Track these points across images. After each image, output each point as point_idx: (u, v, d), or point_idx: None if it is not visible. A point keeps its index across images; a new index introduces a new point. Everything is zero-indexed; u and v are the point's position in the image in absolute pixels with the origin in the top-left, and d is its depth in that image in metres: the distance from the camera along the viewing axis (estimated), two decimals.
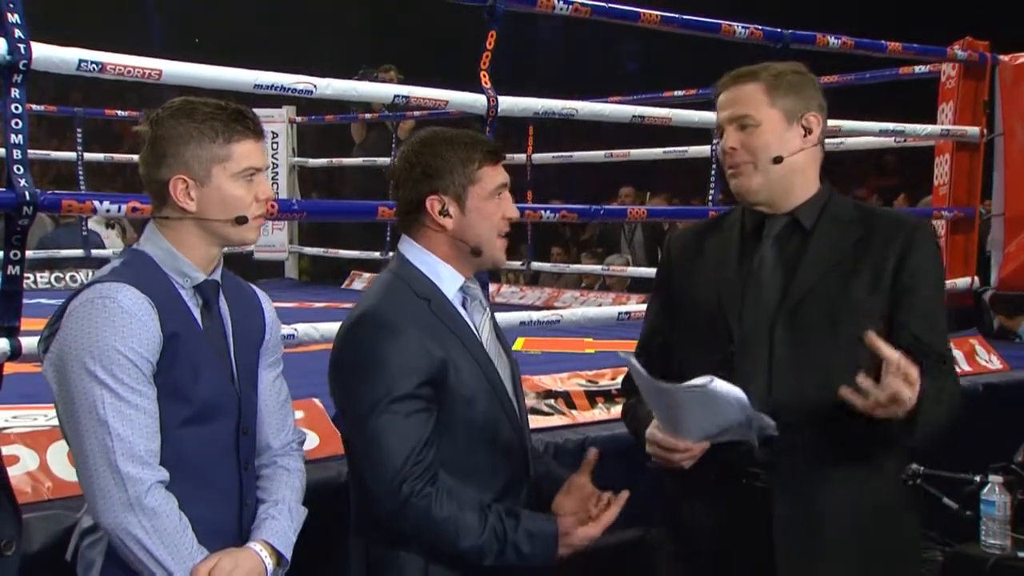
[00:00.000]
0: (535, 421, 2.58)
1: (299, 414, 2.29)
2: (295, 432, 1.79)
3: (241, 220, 1.63)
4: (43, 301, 3.58)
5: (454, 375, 1.68)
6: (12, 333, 2.26)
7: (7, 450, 2.08)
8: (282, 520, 1.67)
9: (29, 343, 2.19)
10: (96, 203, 2.50)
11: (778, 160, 1.76)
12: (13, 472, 2.04)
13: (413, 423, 1.65)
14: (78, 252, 6.35)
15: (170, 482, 1.56)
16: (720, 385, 1.55)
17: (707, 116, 3.95)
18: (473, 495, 1.68)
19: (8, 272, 2.28)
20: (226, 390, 1.64)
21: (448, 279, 1.75)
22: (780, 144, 1.76)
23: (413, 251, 1.77)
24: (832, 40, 3.84)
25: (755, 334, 1.73)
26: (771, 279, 1.76)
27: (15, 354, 2.23)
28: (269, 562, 1.63)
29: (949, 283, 4.41)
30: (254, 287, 1.82)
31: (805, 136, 1.78)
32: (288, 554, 1.66)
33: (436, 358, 1.67)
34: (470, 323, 1.76)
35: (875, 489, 1.74)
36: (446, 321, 1.71)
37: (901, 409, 1.55)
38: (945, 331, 1.77)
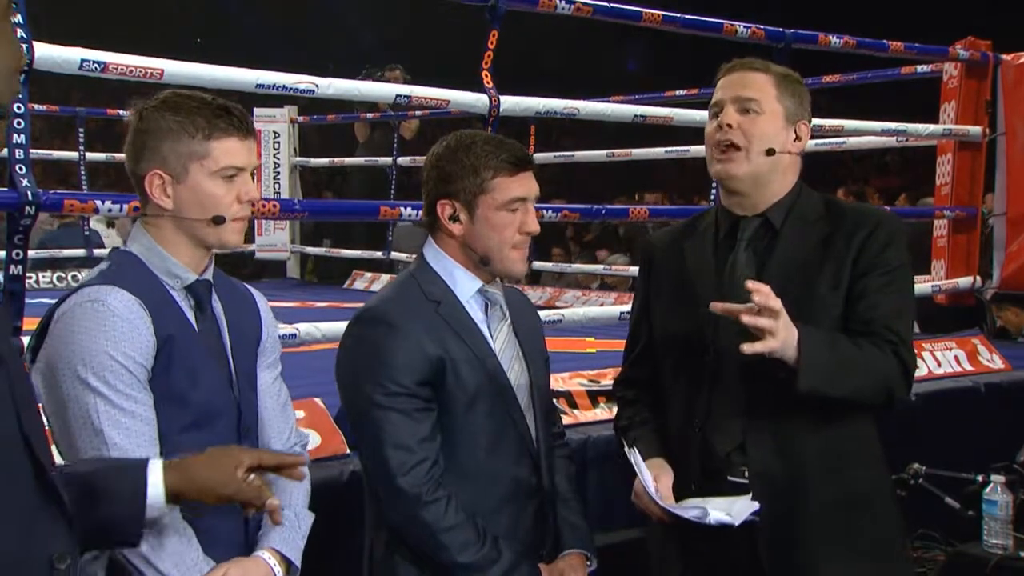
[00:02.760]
0: None
1: (300, 414, 2.29)
2: (297, 435, 1.75)
3: (218, 220, 1.56)
4: (45, 301, 3.57)
5: (452, 376, 1.68)
6: (15, 333, 2.26)
7: None
8: (289, 527, 1.63)
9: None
10: (98, 203, 2.50)
11: (771, 152, 1.77)
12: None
13: (408, 419, 1.65)
14: (80, 252, 6.35)
15: None
16: (714, 517, 1.65)
17: None
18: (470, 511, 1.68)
19: (10, 272, 2.28)
20: (225, 393, 1.60)
21: (463, 283, 1.75)
22: (775, 139, 1.78)
23: (431, 252, 1.78)
24: (834, 40, 3.84)
25: (728, 338, 1.73)
26: (743, 282, 1.76)
27: (18, 354, 2.23)
28: (279, 570, 1.58)
29: (950, 283, 4.41)
30: (248, 286, 1.77)
31: (795, 141, 1.81)
32: (298, 561, 1.62)
33: (433, 357, 1.67)
34: (483, 327, 1.75)
35: (850, 481, 1.76)
36: (452, 323, 1.71)
37: (769, 343, 1.57)
38: (900, 313, 1.74)
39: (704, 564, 1.78)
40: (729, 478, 1.74)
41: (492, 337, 1.76)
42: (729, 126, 1.76)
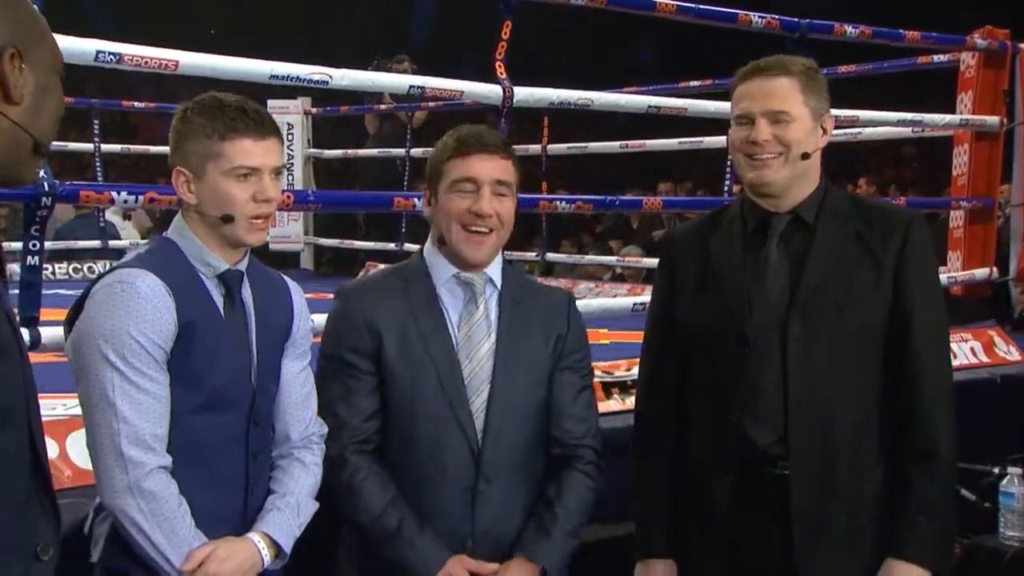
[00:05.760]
0: None
1: None
2: (316, 425, 1.78)
3: (227, 219, 1.62)
4: (61, 292, 3.60)
5: (389, 351, 1.77)
6: (32, 323, 2.27)
7: None
8: (287, 513, 1.67)
9: (48, 333, 2.21)
10: (114, 194, 2.51)
11: (806, 156, 1.78)
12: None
13: (338, 384, 1.79)
14: (95, 243, 6.39)
15: (178, 467, 1.57)
16: None
17: (723, 107, 3.92)
18: (391, 485, 1.77)
19: (28, 262, 2.29)
20: (241, 380, 1.65)
21: (438, 268, 1.84)
22: (807, 141, 1.79)
23: (428, 239, 1.89)
24: (850, 29, 3.81)
25: (765, 333, 1.76)
26: (777, 277, 1.79)
27: (35, 344, 2.25)
28: (266, 553, 1.63)
29: (966, 274, 4.38)
30: (286, 278, 1.81)
31: (822, 136, 1.82)
32: (287, 547, 1.66)
33: (372, 330, 1.78)
34: (450, 312, 1.81)
35: (885, 474, 1.77)
36: (413, 303, 1.80)
37: None
38: (947, 349, 1.81)
39: (739, 554, 1.78)
40: (768, 470, 1.75)
41: (458, 323, 1.81)
42: (767, 141, 1.76)
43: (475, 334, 1.81)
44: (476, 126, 1.85)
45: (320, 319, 2.69)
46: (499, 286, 1.85)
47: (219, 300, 1.65)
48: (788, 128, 1.76)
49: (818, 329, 1.74)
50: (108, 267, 1.69)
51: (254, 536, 1.63)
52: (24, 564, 1.13)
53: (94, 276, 1.69)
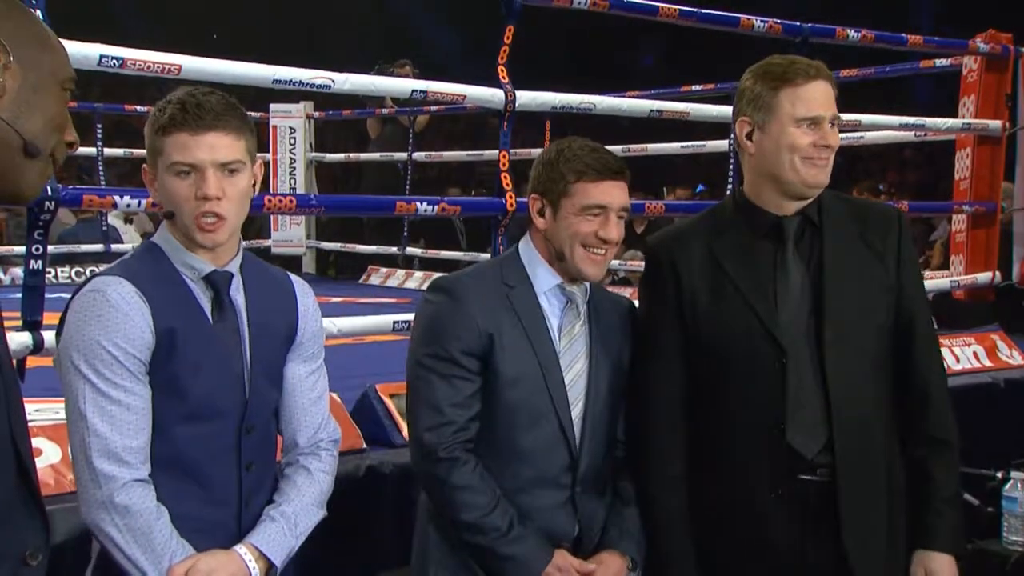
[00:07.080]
0: None
1: None
2: (326, 430, 1.69)
3: (168, 215, 1.55)
4: (63, 295, 3.60)
5: (500, 354, 1.76)
6: (35, 327, 2.28)
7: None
8: (281, 523, 1.58)
9: (51, 337, 2.21)
10: (116, 198, 2.52)
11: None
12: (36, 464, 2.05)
13: (446, 383, 1.75)
14: (98, 247, 6.40)
15: (166, 479, 1.51)
16: None
17: (725, 111, 3.93)
18: (495, 485, 1.75)
19: (31, 266, 2.29)
20: (231, 386, 1.56)
21: (542, 276, 1.84)
22: None
23: (524, 243, 1.89)
24: (852, 34, 3.81)
25: (799, 339, 1.74)
26: (799, 281, 1.78)
27: (37, 348, 2.25)
28: (255, 567, 1.53)
29: (968, 278, 4.38)
30: (293, 278, 1.72)
31: None
32: (279, 560, 1.56)
33: (484, 332, 1.75)
34: (551, 320, 1.82)
35: (903, 470, 1.81)
36: (519, 308, 1.80)
37: None
38: (943, 379, 1.84)
39: (786, 568, 1.76)
40: (812, 478, 1.74)
41: (559, 332, 1.82)
42: (832, 144, 1.77)
43: (575, 345, 1.83)
44: (595, 145, 1.83)
45: (328, 322, 2.71)
46: (588, 297, 1.87)
47: (206, 304, 1.56)
48: (836, 132, 1.78)
49: (847, 332, 1.75)
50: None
51: (241, 548, 1.53)
52: (11, 569, 1.11)
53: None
